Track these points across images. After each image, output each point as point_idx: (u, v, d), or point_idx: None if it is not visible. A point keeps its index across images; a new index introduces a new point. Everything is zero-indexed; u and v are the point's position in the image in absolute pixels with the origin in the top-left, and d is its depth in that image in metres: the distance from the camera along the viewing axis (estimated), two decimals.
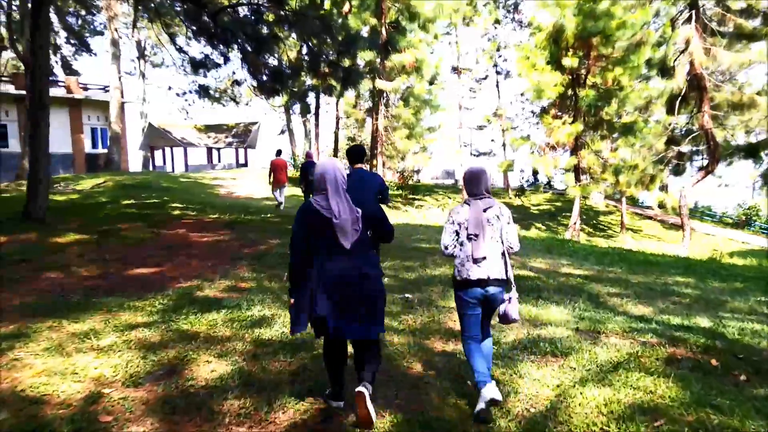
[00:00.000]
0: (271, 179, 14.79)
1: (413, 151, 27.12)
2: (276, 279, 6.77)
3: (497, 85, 38.76)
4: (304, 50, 14.16)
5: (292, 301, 3.29)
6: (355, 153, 5.86)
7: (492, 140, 41.94)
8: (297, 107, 36.62)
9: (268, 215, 12.94)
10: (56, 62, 27.90)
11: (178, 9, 14.18)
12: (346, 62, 13.45)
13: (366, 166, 7.07)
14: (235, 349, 4.34)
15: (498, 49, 37.47)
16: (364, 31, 22.13)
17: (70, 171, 27.36)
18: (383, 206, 4.80)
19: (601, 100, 21.28)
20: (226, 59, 13.57)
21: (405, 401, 3.58)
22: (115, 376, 3.80)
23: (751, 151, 19.33)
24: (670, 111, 20.02)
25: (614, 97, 21.32)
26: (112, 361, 4.06)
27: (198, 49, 60.83)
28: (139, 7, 16.58)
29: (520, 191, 36.81)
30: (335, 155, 29.58)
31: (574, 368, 4.12)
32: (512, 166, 28.93)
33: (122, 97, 29.48)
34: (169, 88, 61.64)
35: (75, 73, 29.72)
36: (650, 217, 31.98)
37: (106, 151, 29.47)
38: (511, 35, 38.38)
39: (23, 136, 22.78)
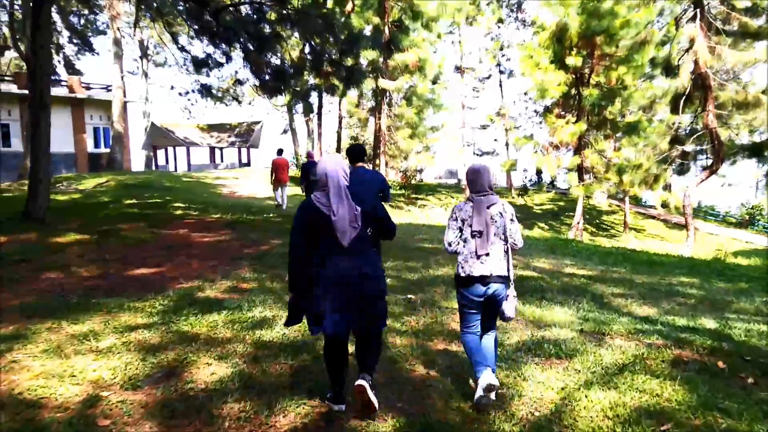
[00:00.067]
0: (273, 178, 14.80)
1: (416, 151, 27.06)
2: (278, 279, 6.73)
3: (500, 85, 38.73)
4: (307, 49, 14.13)
5: (290, 296, 3.35)
6: (355, 152, 5.82)
7: (495, 140, 41.97)
8: (300, 107, 36.60)
9: (271, 215, 12.91)
10: (59, 62, 27.94)
11: (180, 8, 14.16)
12: (349, 61, 13.41)
13: (368, 165, 7.03)
14: (236, 351, 4.30)
15: (501, 49, 37.40)
16: (367, 30, 22.11)
17: (72, 170, 27.38)
18: (385, 204, 4.75)
19: (604, 100, 21.19)
20: (229, 58, 13.53)
21: (407, 404, 3.53)
22: (114, 379, 3.75)
23: (755, 150, 19.20)
24: (674, 110, 19.90)
25: (618, 97, 21.24)
26: (111, 363, 4.01)
27: (200, 48, 61.03)
28: (141, 7, 16.56)
29: (523, 191, 36.76)
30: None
31: (579, 370, 4.06)
32: (515, 165, 28.88)
33: (125, 96, 29.49)
34: (172, 87, 61.97)
35: (78, 72, 29.75)
36: (653, 217, 31.87)
37: (108, 150, 29.49)
38: (515, 34, 38.38)
39: (26, 136, 22.81)
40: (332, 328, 3.15)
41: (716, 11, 19.06)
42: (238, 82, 21.61)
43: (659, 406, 3.47)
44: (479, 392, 3.37)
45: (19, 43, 19.40)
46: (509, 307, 3.51)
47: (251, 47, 12.54)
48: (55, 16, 24.16)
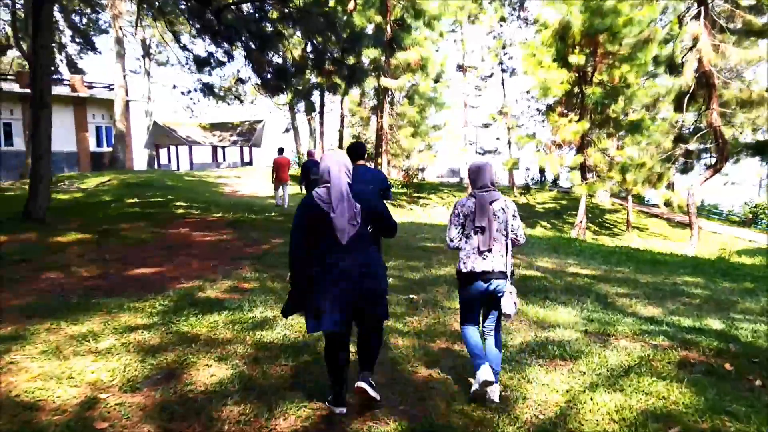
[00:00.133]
0: (274, 177, 14.79)
1: (418, 150, 27.04)
2: (279, 279, 6.68)
3: (503, 83, 38.59)
4: (309, 48, 14.12)
5: (290, 291, 3.36)
6: (356, 150, 5.79)
7: (497, 138, 41.81)
8: (301, 105, 36.60)
9: (272, 214, 12.86)
10: (61, 61, 28.01)
11: (182, 7, 14.13)
12: (351, 60, 13.38)
13: (369, 164, 6.98)
14: (236, 353, 4.25)
15: (503, 47, 37.28)
16: (369, 29, 22.07)
17: (75, 169, 27.40)
18: (386, 203, 4.71)
19: (607, 98, 21.11)
20: (230, 57, 13.52)
21: (409, 406, 3.48)
22: (113, 381, 3.71)
23: (758, 149, 19.08)
24: (677, 108, 19.78)
25: (621, 95, 21.13)
26: (110, 364, 3.97)
27: (202, 47, 61.01)
28: (143, 5, 16.54)
29: (526, 189, 36.67)
30: None
31: (584, 372, 4.00)
32: (518, 164, 28.82)
33: (127, 95, 29.48)
34: (174, 86, 61.75)
35: (80, 71, 29.80)
36: (656, 215, 31.78)
37: (110, 149, 29.52)
38: (517, 33, 38.04)
39: (27, 135, 22.80)
40: (332, 325, 3.14)
41: (720, 9, 18.93)
42: (240, 80, 21.66)
43: (666, 409, 3.42)
44: (475, 386, 3.46)
45: (21, 42, 19.40)
46: (508, 303, 3.45)
47: (253, 46, 12.51)
48: (58, 15, 24.20)
